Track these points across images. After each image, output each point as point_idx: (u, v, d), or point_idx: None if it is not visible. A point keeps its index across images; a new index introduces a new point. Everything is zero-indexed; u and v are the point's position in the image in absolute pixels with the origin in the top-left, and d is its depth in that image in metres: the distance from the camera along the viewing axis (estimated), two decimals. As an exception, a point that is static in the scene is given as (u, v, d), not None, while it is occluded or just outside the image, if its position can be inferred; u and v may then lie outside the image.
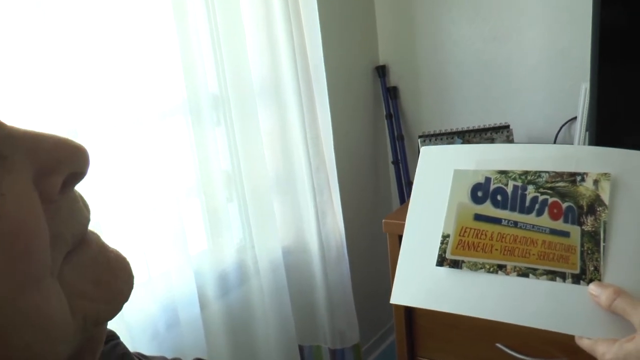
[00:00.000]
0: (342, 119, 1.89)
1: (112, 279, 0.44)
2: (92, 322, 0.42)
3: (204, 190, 1.43)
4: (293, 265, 1.67)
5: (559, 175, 0.74)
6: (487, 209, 0.77)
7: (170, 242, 1.33)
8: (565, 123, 1.72)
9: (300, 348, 1.72)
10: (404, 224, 1.47)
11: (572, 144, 1.66)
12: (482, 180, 0.78)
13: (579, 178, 0.73)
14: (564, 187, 0.74)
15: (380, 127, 2.15)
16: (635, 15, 1.28)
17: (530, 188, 0.75)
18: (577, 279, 0.69)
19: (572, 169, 0.74)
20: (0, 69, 1.05)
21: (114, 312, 0.44)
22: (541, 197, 0.75)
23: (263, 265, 1.53)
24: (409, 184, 2.06)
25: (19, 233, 0.37)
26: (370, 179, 2.14)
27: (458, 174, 0.80)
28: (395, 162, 2.09)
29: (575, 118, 1.66)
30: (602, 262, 0.69)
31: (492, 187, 0.77)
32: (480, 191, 0.78)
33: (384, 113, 2.10)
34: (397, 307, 1.58)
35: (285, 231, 1.65)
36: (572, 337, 1.31)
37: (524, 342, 1.42)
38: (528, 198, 0.75)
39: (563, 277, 0.70)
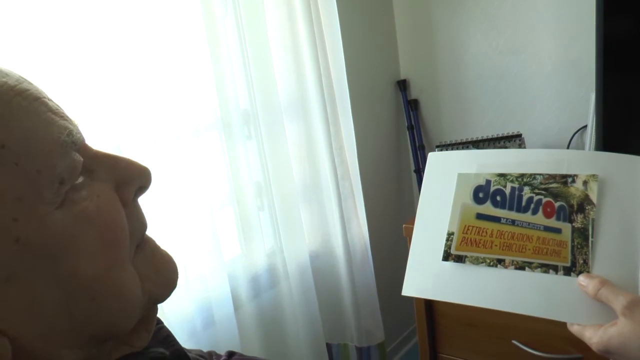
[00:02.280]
0: (366, 131, 1.98)
1: (167, 269, 0.57)
2: (153, 300, 0.55)
3: (237, 200, 1.52)
4: (320, 269, 1.75)
5: (552, 177, 0.81)
6: (488, 208, 0.84)
7: (206, 247, 1.42)
8: (577, 131, 1.78)
9: (329, 346, 1.80)
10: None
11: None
12: (483, 182, 0.85)
13: (570, 179, 0.80)
14: (557, 188, 0.81)
15: (402, 138, 2.24)
16: (638, 26, 1.35)
17: (526, 189, 0.82)
18: (568, 271, 0.76)
19: (564, 172, 0.81)
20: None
21: (167, 294, 0.57)
22: (536, 197, 0.81)
23: (292, 269, 1.62)
24: (431, 192, 2.13)
25: (112, 225, 0.50)
26: (393, 186, 2.23)
27: (461, 177, 0.87)
28: (417, 171, 2.17)
29: (586, 126, 1.73)
30: (590, 256, 0.75)
31: (492, 188, 0.84)
32: (482, 192, 0.85)
33: (406, 124, 2.18)
34: (419, 308, 1.66)
35: (313, 237, 1.74)
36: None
37: (538, 339, 1.48)
38: (524, 198, 0.82)
39: (555, 269, 0.76)
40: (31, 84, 0.48)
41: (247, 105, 1.56)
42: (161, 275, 0.56)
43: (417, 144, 2.15)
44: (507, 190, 0.84)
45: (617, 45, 1.34)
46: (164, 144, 1.34)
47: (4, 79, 0.45)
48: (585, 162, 0.81)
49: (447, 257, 0.83)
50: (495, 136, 1.58)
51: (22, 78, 0.47)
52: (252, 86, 1.53)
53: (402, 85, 2.15)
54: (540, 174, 0.83)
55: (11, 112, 0.44)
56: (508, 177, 0.85)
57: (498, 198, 0.84)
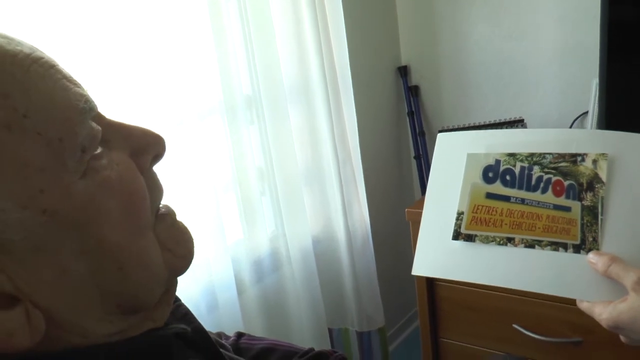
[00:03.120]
0: (366, 117, 1.98)
1: (185, 240, 0.57)
2: (173, 272, 0.56)
3: (240, 184, 1.53)
4: (322, 253, 1.76)
5: (561, 156, 0.82)
6: (498, 188, 0.84)
7: (209, 232, 1.43)
8: (578, 117, 1.79)
9: (329, 331, 1.81)
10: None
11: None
12: (492, 162, 0.86)
13: (579, 158, 0.81)
14: (566, 166, 0.81)
15: (402, 124, 2.24)
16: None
17: (536, 168, 0.83)
18: (577, 249, 0.76)
19: (573, 150, 0.81)
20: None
21: (186, 267, 0.57)
22: (545, 176, 0.82)
23: (294, 253, 1.63)
24: (431, 178, 2.14)
25: (133, 192, 0.50)
26: (394, 172, 2.24)
27: (471, 157, 0.88)
28: (417, 157, 2.18)
29: (586, 112, 1.74)
30: (599, 234, 0.76)
31: (501, 168, 0.85)
32: (491, 172, 0.85)
33: (406, 111, 2.19)
34: (421, 292, 1.67)
35: (315, 221, 1.75)
36: (584, 318, 1.38)
37: (539, 323, 1.50)
38: (534, 177, 0.83)
39: (565, 247, 0.77)
40: (43, 52, 0.47)
41: (251, 90, 1.56)
42: (181, 246, 0.56)
43: (417, 130, 2.15)
44: (517, 170, 0.84)
45: (622, 31, 1.35)
46: (168, 128, 1.34)
47: (18, 47, 0.45)
48: (595, 141, 0.82)
49: (457, 236, 0.84)
50: (497, 121, 1.58)
51: (34, 46, 0.47)
52: (256, 70, 1.53)
53: (403, 71, 2.16)
54: (549, 153, 0.83)
55: (30, 80, 0.43)
56: (517, 157, 0.85)
57: (507, 177, 0.85)
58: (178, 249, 0.55)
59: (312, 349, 0.94)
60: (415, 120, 2.15)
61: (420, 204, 1.66)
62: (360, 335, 1.89)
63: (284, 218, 1.62)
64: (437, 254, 0.87)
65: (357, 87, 1.83)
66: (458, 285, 1.60)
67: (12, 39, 0.45)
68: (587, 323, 1.41)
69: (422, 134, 2.15)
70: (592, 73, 1.66)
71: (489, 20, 1.94)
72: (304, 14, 1.61)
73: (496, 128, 1.57)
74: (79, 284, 0.46)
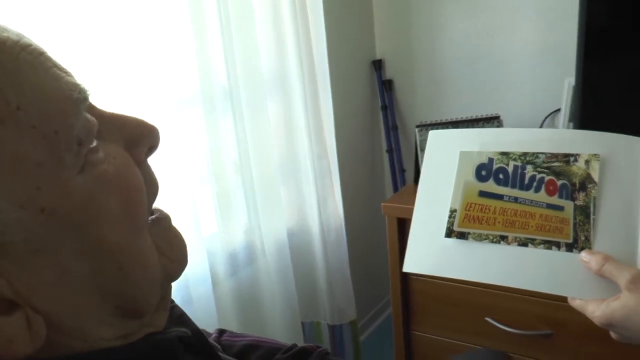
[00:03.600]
0: (340, 110, 1.97)
1: (180, 245, 0.55)
2: (168, 277, 0.53)
3: (216, 177, 1.50)
4: (296, 247, 1.75)
5: (555, 156, 0.83)
6: (491, 186, 0.85)
7: (185, 224, 1.40)
8: (550, 114, 1.82)
9: (301, 324, 1.81)
10: (401, 207, 1.58)
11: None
12: (485, 160, 0.87)
13: (572, 159, 0.82)
14: (559, 166, 0.83)
15: (375, 118, 2.25)
16: (619, 14, 1.38)
17: (529, 167, 0.84)
18: (570, 248, 0.78)
19: (566, 151, 0.83)
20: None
21: (180, 271, 0.55)
22: (538, 176, 0.83)
23: (269, 247, 1.62)
24: (403, 171, 2.16)
25: (131, 189, 0.48)
26: (366, 166, 2.24)
27: (464, 155, 0.88)
28: (390, 151, 2.19)
29: (558, 110, 1.77)
30: (592, 233, 0.78)
31: (494, 166, 0.86)
32: (484, 170, 0.86)
33: (379, 105, 2.19)
34: (395, 286, 1.68)
35: (290, 215, 1.73)
36: (555, 311, 1.43)
37: (511, 317, 1.53)
38: (527, 176, 0.84)
39: (558, 246, 0.78)
40: (31, 39, 0.44)
41: (229, 82, 1.53)
42: (175, 250, 0.54)
43: (390, 124, 2.16)
44: (510, 169, 0.85)
45: (598, 32, 1.37)
46: (144, 118, 1.30)
47: (5, 34, 0.41)
48: (587, 142, 0.83)
49: (449, 233, 0.84)
50: (473, 117, 1.60)
51: (21, 33, 0.44)
52: (234, 62, 1.51)
53: (377, 65, 2.16)
54: (542, 153, 0.84)
55: (21, 69, 0.40)
56: (511, 156, 0.86)
57: (501, 176, 0.85)
58: (173, 253, 0.53)
59: (295, 345, 0.94)
60: (389, 114, 2.16)
61: (396, 198, 1.68)
62: (332, 328, 1.89)
63: (260, 211, 1.60)
64: (429, 251, 0.87)
65: (333, 80, 1.82)
66: (431, 279, 1.61)
67: None
68: (557, 316, 1.46)
69: (395, 127, 2.16)
70: (565, 72, 1.70)
71: (465, 16, 1.95)
72: (284, 5, 1.59)
73: (472, 124, 1.59)
74: (79, 285, 0.44)
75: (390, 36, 2.15)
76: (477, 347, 1.57)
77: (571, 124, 1.67)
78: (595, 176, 0.81)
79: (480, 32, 1.94)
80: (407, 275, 1.66)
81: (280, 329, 1.65)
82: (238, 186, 1.59)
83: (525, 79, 1.89)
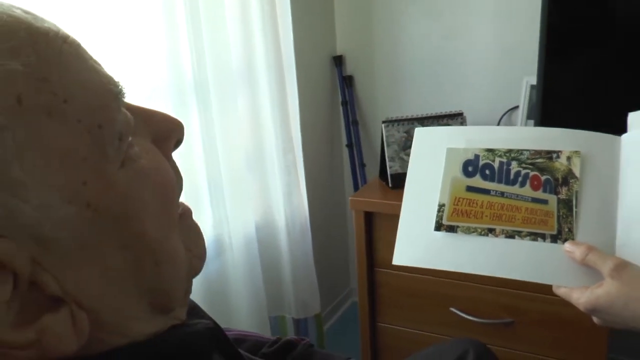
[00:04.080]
0: (301, 105, 1.99)
1: (202, 241, 0.57)
2: (193, 272, 0.54)
3: (183, 170, 1.48)
4: (263, 240, 1.75)
5: (538, 153, 0.88)
6: (477, 181, 0.89)
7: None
8: (507, 111, 1.90)
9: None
10: (368, 201, 1.61)
11: (516, 130, 1.85)
12: (472, 157, 0.90)
13: (554, 155, 0.87)
14: (543, 162, 0.87)
15: (335, 113, 2.28)
16: (579, 15, 1.46)
17: (514, 163, 0.88)
18: (554, 239, 0.82)
19: (549, 148, 0.87)
20: None
21: (202, 267, 0.57)
22: (523, 171, 0.87)
23: (237, 240, 1.61)
24: (363, 166, 2.20)
25: (167, 183, 0.48)
26: (326, 160, 2.27)
27: (450, 152, 0.91)
28: (350, 146, 2.22)
29: (516, 107, 1.85)
30: (574, 224, 0.82)
31: (481, 162, 0.89)
32: (471, 166, 0.90)
33: (340, 100, 2.22)
34: (361, 279, 1.71)
35: (257, 208, 1.74)
36: (516, 299, 1.49)
37: (474, 306, 1.59)
38: (512, 172, 0.88)
39: (543, 237, 0.83)
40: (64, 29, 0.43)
41: (198, 75, 1.52)
42: (199, 246, 0.55)
43: (350, 119, 2.19)
44: (496, 165, 0.89)
45: (559, 33, 1.44)
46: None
47: (46, 25, 0.41)
48: (569, 140, 0.88)
49: (439, 227, 0.87)
50: (438, 114, 1.65)
51: (53, 22, 0.43)
52: (204, 56, 1.49)
53: (338, 61, 2.18)
54: (526, 150, 0.89)
55: (64, 62, 0.40)
56: (496, 152, 0.90)
57: (487, 172, 0.89)
58: (197, 249, 0.54)
59: (279, 338, 0.95)
60: (349, 109, 2.19)
61: (362, 193, 1.71)
62: (297, 322, 1.91)
63: (227, 204, 1.59)
64: (418, 245, 0.90)
65: (296, 75, 1.83)
66: (396, 272, 1.65)
67: (35, 14, 0.42)
68: (518, 305, 1.52)
69: (355, 123, 2.19)
70: (523, 71, 1.77)
71: (425, 17, 2.00)
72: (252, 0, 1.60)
73: (437, 120, 1.64)
74: (119, 281, 0.44)
75: (351, 33, 2.18)
76: (453, 337, 1.62)
77: (529, 121, 1.75)
78: (576, 171, 0.85)
79: (440, 33, 1.99)
80: (372, 268, 1.70)
81: (247, 323, 1.65)
82: (206, 179, 1.58)
83: (484, 77, 1.95)
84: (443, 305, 1.62)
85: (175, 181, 0.50)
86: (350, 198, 1.64)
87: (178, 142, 0.53)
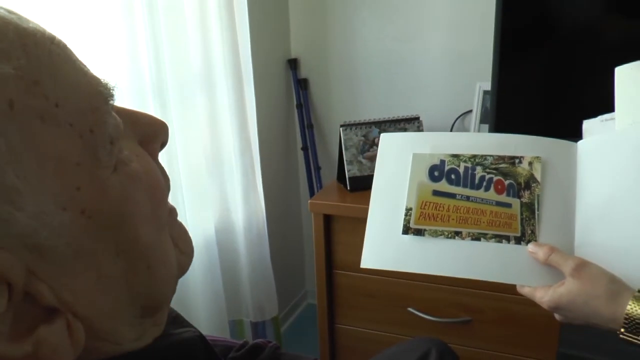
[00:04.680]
0: (259, 108, 1.99)
1: (189, 238, 0.56)
2: (181, 270, 0.53)
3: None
4: (222, 244, 1.74)
5: (501, 158, 0.91)
6: (443, 186, 0.91)
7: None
8: (460, 115, 1.95)
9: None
10: (327, 204, 1.62)
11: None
12: (437, 162, 0.93)
13: (517, 160, 0.90)
14: (506, 167, 0.91)
15: (291, 116, 2.28)
16: (531, 24, 1.52)
17: (479, 168, 0.91)
18: (518, 241, 0.86)
19: (512, 153, 0.91)
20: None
21: (189, 264, 0.56)
22: (487, 176, 0.91)
23: (197, 243, 1.59)
24: (318, 169, 2.21)
25: (157, 185, 0.48)
26: (282, 163, 2.27)
27: (416, 157, 0.94)
28: (305, 149, 2.23)
29: (469, 112, 1.90)
30: (537, 227, 0.86)
31: (446, 167, 0.92)
32: (437, 171, 0.92)
33: (295, 103, 2.23)
34: (320, 280, 1.72)
35: (215, 211, 1.73)
36: (473, 299, 1.53)
37: (432, 306, 1.62)
38: (477, 177, 0.91)
39: (508, 239, 0.86)
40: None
41: (158, 77, 1.49)
42: (186, 244, 0.55)
43: (305, 122, 2.20)
44: (461, 170, 0.92)
45: (512, 40, 1.50)
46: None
47: (32, 25, 0.39)
48: (530, 146, 0.92)
49: (406, 230, 0.89)
50: (395, 118, 1.68)
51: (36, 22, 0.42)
52: (163, 58, 1.47)
53: (293, 64, 2.19)
54: (490, 155, 0.92)
55: (54, 64, 0.39)
56: (461, 158, 0.93)
57: (452, 176, 0.92)
58: (185, 246, 0.54)
59: (246, 342, 0.96)
60: (304, 112, 2.20)
61: (321, 196, 1.72)
62: (255, 325, 1.90)
63: (187, 207, 1.58)
64: (386, 248, 0.91)
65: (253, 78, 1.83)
66: (355, 273, 1.68)
67: (18, 14, 0.40)
68: (476, 303, 1.57)
69: (311, 126, 2.20)
70: (476, 77, 1.82)
71: (379, 21, 2.03)
72: (210, 2, 1.59)
73: (394, 124, 1.67)
74: (114, 288, 0.43)
75: (306, 36, 2.19)
76: (415, 337, 1.65)
77: (483, 125, 1.80)
78: (538, 176, 0.89)
79: (394, 37, 2.02)
80: (331, 270, 1.71)
81: (207, 328, 1.64)
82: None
83: (438, 82, 2.00)
84: (401, 305, 1.65)
85: (163, 183, 0.49)
86: (309, 201, 1.65)
87: (163, 144, 0.52)
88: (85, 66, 0.43)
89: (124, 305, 0.45)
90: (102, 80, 0.43)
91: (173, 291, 0.52)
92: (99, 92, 0.42)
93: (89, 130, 0.40)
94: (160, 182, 0.48)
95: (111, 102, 0.43)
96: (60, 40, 0.41)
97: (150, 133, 0.50)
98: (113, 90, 0.44)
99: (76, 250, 0.39)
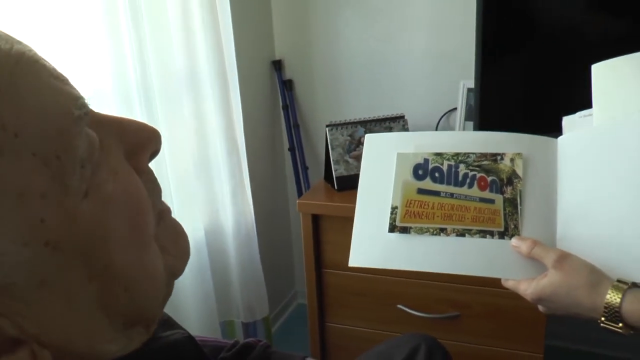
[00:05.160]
0: (243, 110, 2.00)
1: (182, 240, 0.54)
2: (172, 274, 0.52)
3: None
4: (212, 246, 1.75)
5: (484, 156, 0.93)
6: (428, 184, 0.93)
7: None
8: (445, 113, 1.97)
9: (218, 323, 1.81)
10: (316, 204, 1.64)
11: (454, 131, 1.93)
12: (421, 161, 0.95)
13: (499, 157, 0.93)
14: (488, 164, 0.93)
15: (277, 117, 2.29)
16: (512, 23, 1.54)
17: (462, 166, 0.93)
18: (502, 235, 0.88)
19: (493, 150, 0.93)
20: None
21: (183, 267, 0.54)
22: (471, 173, 0.93)
23: (187, 246, 1.61)
24: (306, 169, 2.23)
25: (138, 206, 0.45)
26: (269, 164, 2.28)
27: (401, 157, 0.96)
28: (292, 149, 2.25)
29: (454, 109, 1.93)
30: (520, 221, 0.89)
31: (430, 166, 0.94)
32: (421, 170, 0.94)
33: (281, 104, 2.24)
34: (309, 279, 1.73)
35: (204, 213, 1.73)
36: (461, 294, 1.56)
37: (421, 302, 1.64)
38: (460, 174, 0.93)
39: (492, 234, 0.88)
40: (20, 41, 0.39)
41: (143, 80, 1.50)
42: (179, 245, 0.52)
43: (291, 123, 2.22)
44: (445, 168, 0.94)
45: (494, 38, 1.52)
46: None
47: None
48: (511, 143, 0.94)
49: (392, 229, 0.91)
50: (381, 117, 1.70)
51: (9, 35, 0.39)
52: (148, 61, 1.48)
53: (277, 65, 2.20)
54: (473, 153, 0.94)
55: (16, 88, 0.35)
56: (444, 156, 0.94)
57: (436, 174, 0.94)
58: (177, 250, 0.51)
59: (237, 342, 0.97)
60: (290, 113, 2.21)
61: (309, 196, 1.73)
62: (246, 325, 1.91)
63: (176, 210, 1.59)
64: (373, 246, 0.93)
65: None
66: (344, 272, 1.69)
67: None
68: (463, 299, 1.59)
69: (297, 126, 2.22)
70: (459, 74, 1.84)
71: (362, 21, 2.05)
72: (194, 5, 1.60)
73: (380, 123, 1.68)
74: (87, 310, 0.41)
75: (289, 37, 2.20)
76: (405, 333, 1.67)
77: (467, 123, 1.82)
78: (519, 172, 0.91)
79: (377, 37, 2.04)
80: (320, 269, 1.73)
81: (199, 329, 1.64)
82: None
83: (422, 80, 2.02)
84: (390, 302, 1.67)
85: (146, 198, 0.46)
86: (298, 201, 1.66)
87: (155, 153, 0.49)
88: (60, 80, 0.40)
89: (102, 325, 0.43)
90: (76, 95, 0.40)
91: (163, 300, 0.51)
92: (69, 113, 0.38)
93: (55, 157, 0.37)
94: (142, 200, 0.45)
95: (83, 120, 0.40)
96: (30, 56, 0.38)
97: (139, 143, 0.47)
98: (87, 105, 0.41)
99: (40, 281, 0.37)
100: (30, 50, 0.39)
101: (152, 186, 0.49)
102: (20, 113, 0.35)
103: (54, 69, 0.40)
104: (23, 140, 0.35)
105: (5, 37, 0.38)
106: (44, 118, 0.36)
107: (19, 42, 0.39)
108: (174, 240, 0.51)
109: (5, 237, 0.34)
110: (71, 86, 0.41)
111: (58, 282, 0.38)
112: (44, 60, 0.40)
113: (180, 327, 0.64)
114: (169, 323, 0.64)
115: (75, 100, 0.39)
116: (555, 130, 0.97)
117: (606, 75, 0.92)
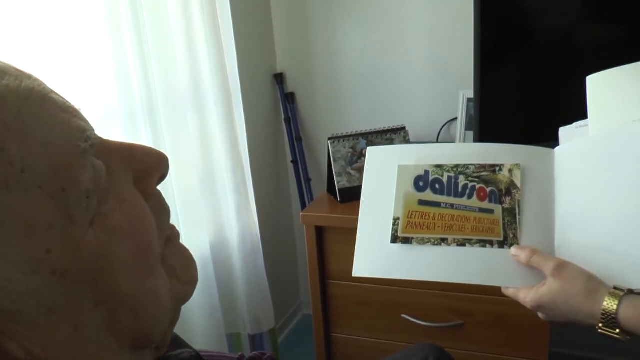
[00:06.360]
0: (246, 124, 2.02)
1: (190, 265, 0.54)
2: (179, 300, 0.52)
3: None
4: (217, 260, 1.77)
5: (483, 167, 0.95)
6: (428, 195, 0.95)
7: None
8: (446, 123, 1.99)
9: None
10: (319, 216, 1.65)
11: (454, 141, 1.94)
12: (422, 173, 0.97)
13: (497, 168, 0.94)
14: (487, 175, 0.95)
15: (279, 130, 2.32)
16: (509, 34, 1.57)
17: (461, 177, 0.95)
18: (501, 245, 0.90)
19: (492, 162, 0.95)
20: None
21: (191, 293, 0.54)
22: (470, 184, 0.95)
23: (193, 261, 1.62)
24: (309, 181, 2.25)
25: (142, 231, 0.46)
26: (272, 177, 2.31)
27: (402, 169, 0.98)
28: (295, 162, 2.27)
29: (454, 119, 1.95)
30: (518, 230, 0.90)
31: (430, 178, 0.96)
32: (422, 181, 0.96)
33: (283, 117, 2.27)
34: (314, 290, 1.75)
35: (209, 228, 1.76)
36: (464, 303, 1.57)
37: (425, 311, 1.65)
38: (460, 185, 0.95)
39: (491, 244, 0.90)
40: (30, 76, 0.40)
41: (148, 98, 1.53)
42: (185, 271, 0.53)
43: (294, 136, 2.24)
44: (445, 179, 0.96)
45: (492, 49, 1.54)
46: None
47: (4, 82, 0.38)
48: (509, 154, 0.96)
49: (395, 239, 0.93)
50: (382, 129, 1.72)
51: (17, 69, 0.40)
52: (153, 78, 1.51)
53: (279, 78, 2.23)
54: (472, 164, 0.96)
55: (24, 125, 0.37)
56: (444, 168, 0.96)
57: (437, 186, 0.96)
58: (185, 275, 0.52)
59: (242, 356, 0.98)
60: (292, 126, 2.24)
61: (313, 208, 1.75)
62: (253, 337, 1.93)
63: (181, 226, 1.61)
64: (376, 257, 0.95)
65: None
66: (348, 282, 1.70)
67: None
68: (467, 307, 1.60)
69: (299, 139, 2.25)
70: (459, 85, 1.87)
71: (361, 33, 2.08)
72: (196, 21, 1.62)
73: (381, 134, 1.71)
74: (93, 335, 0.42)
75: (290, 51, 2.24)
76: (412, 344, 1.68)
77: (468, 132, 1.84)
78: (518, 182, 0.93)
79: (376, 48, 2.07)
80: (325, 280, 1.74)
81: (206, 342, 1.66)
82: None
83: (422, 91, 2.04)
84: (395, 312, 1.68)
85: (152, 224, 0.47)
86: (301, 213, 1.68)
87: (162, 177, 0.50)
88: (68, 113, 0.41)
89: (110, 347, 0.44)
90: (83, 128, 0.41)
91: (172, 323, 0.51)
92: (75, 147, 0.40)
93: (60, 190, 0.38)
94: (147, 226, 0.46)
95: (89, 152, 0.41)
96: (39, 91, 0.39)
97: (147, 168, 0.48)
98: (93, 137, 0.42)
99: (48, 308, 0.39)
100: (40, 84, 0.40)
101: (160, 208, 0.50)
102: (28, 149, 0.37)
103: (63, 102, 0.42)
104: (30, 175, 0.36)
105: (15, 74, 0.39)
106: (50, 153, 0.38)
107: (29, 77, 0.40)
108: (182, 265, 0.52)
109: (13, 266, 0.36)
110: (80, 118, 0.42)
111: (65, 308, 0.39)
112: (54, 93, 0.41)
113: (188, 346, 0.65)
114: (177, 342, 0.65)
115: (82, 133, 0.41)
116: (555, 138, 0.99)
117: (601, 86, 0.94)
